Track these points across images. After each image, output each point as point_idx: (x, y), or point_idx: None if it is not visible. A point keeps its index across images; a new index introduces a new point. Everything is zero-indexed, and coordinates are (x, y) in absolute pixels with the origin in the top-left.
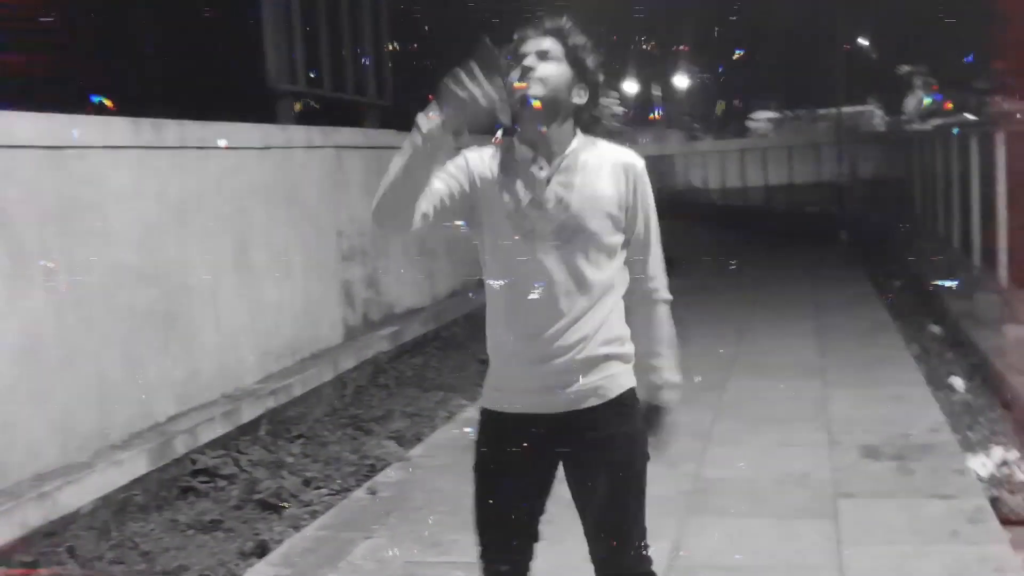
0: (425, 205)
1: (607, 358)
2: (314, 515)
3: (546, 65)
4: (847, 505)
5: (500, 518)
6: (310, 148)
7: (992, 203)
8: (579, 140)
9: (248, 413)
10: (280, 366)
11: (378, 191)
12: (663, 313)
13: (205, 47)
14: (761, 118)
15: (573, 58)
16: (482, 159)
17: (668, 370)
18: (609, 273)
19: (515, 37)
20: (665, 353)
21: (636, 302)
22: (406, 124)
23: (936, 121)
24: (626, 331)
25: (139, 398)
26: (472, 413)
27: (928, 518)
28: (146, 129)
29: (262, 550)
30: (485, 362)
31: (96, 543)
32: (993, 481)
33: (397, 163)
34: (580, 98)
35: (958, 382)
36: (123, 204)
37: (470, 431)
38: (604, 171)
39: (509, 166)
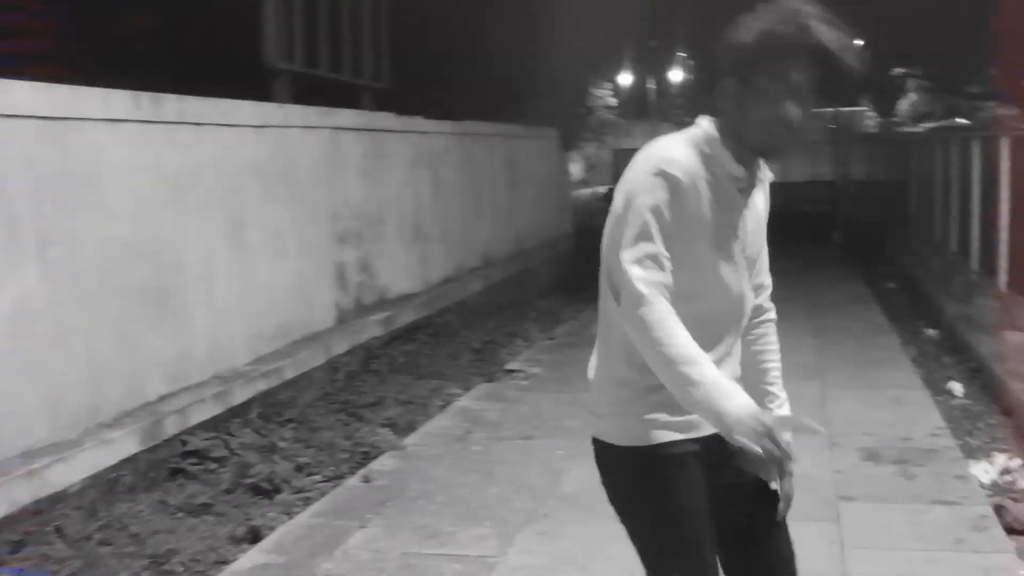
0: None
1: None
2: (307, 502)
3: (807, 108)
4: (849, 509)
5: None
6: (307, 128)
7: (993, 209)
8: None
9: (239, 395)
10: (271, 348)
11: (652, 347)
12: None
13: (202, 22)
14: None
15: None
16: (692, 178)
17: (787, 401)
18: None
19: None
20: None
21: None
22: (402, 107)
23: (928, 124)
24: None
25: (130, 376)
26: (467, 403)
27: (931, 524)
28: (145, 103)
29: (254, 536)
30: (479, 351)
31: (84, 523)
32: (995, 488)
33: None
34: None
35: (956, 387)
36: (119, 178)
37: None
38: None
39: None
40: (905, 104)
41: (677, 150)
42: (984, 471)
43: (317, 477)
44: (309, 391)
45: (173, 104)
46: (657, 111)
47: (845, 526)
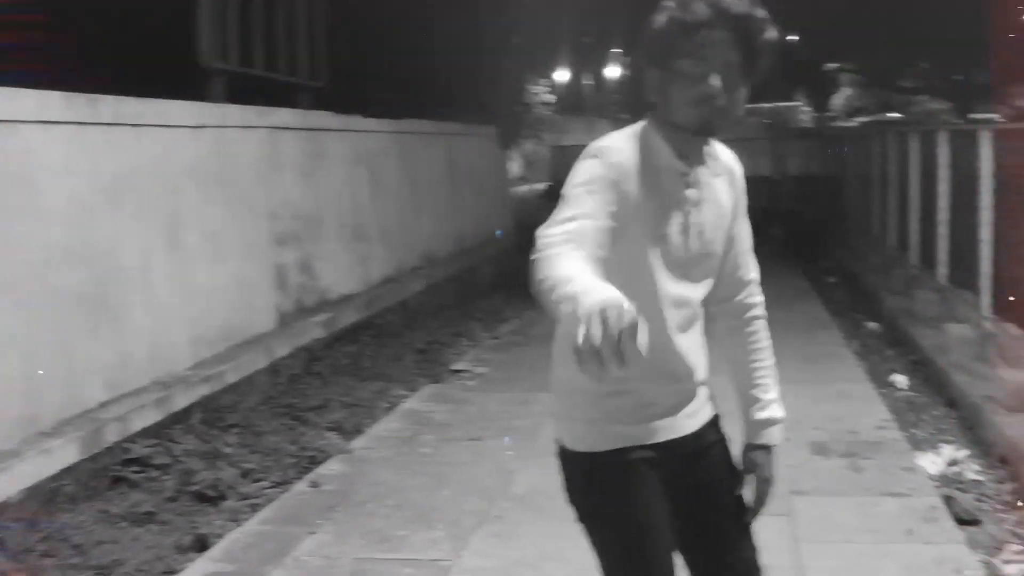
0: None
1: (707, 375)
2: (254, 508)
3: (735, 82)
4: (801, 503)
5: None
6: (245, 128)
7: (932, 202)
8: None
9: (181, 400)
10: (212, 352)
11: (540, 287)
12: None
13: (136, 21)
14: None
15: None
16: (629, 165)
17: (778, 402)
18: None
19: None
20: (774, 381)
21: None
22: (339, 106)
23: (862, 118)
24: None
25: (69, 383)
26: (413, 404)
27: (882, 516)
28: (80, 104)
29: (201, 544)
30: (423, 351)
31: (25, 535)
32: (943, 480)
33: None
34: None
35: (900, 379)
36: (55, 180)
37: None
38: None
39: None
40: (839, 99)
41: (617, 141)
42: (931, 462)
43: (264, 483)
44: (252, 395)
45: (109, 105)
46: (594, 107)
47: (798, 520)
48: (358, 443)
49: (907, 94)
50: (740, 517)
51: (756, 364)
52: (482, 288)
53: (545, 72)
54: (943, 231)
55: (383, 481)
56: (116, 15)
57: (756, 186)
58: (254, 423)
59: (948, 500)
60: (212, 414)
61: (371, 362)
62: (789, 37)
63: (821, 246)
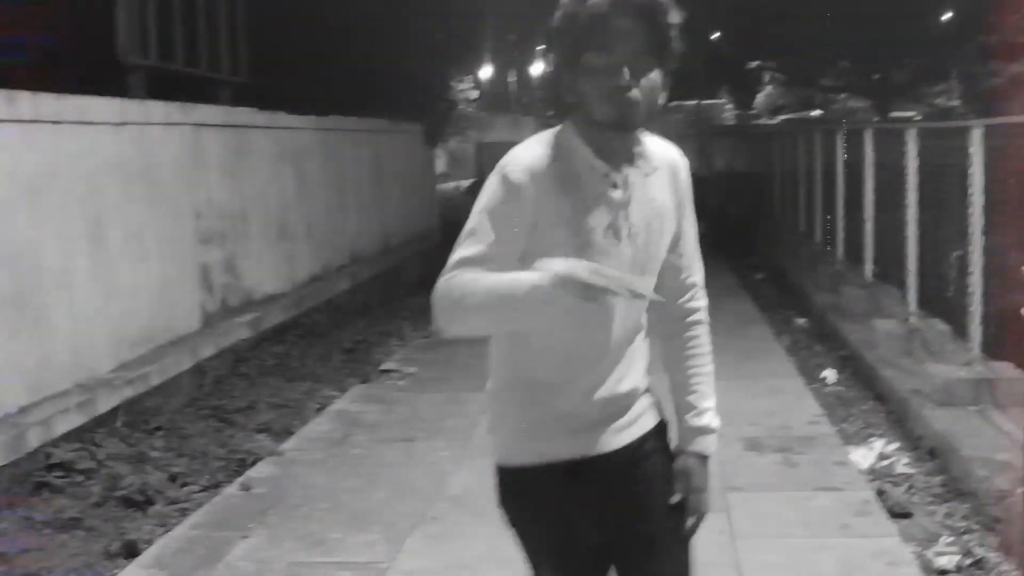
0: None
1: (646, 384)
2: (184, 513)
3: (645, 70)
4: (737, 499)
5: None
6: (168, 125)
7: (859, 199)
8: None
9: (104, 403)
10: (135, 354)
11: (460, 307)
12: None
13: (52, 16)
14: None
15: (664, 47)
16: (539, 177)
17: (713, 411)
18: None
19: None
20: (711, 389)
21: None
22: (262, 102)
23: (784, 116)
24: None
25: None
26: (343, 405)
27: (817, 511)
28: None
29: (129, 551)
30: (351, 351)
31: None
32: (875, 474)
33: (503, 302)
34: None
35: (830, 374)
36: None
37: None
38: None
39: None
40: (762, 97)
41: (526, 151)
42: (863, 456)
43: (193, 487)
44: (177, 397)
45: (27, 102)
46: (519, 104)
47: (734, 516)
48: (288, 445)
49: (828, 92)
50: (676, 528)
51: (694, 370)
52: (410, 286)
53: (470, 69)
54: (869, 228)
55: (315, 483)
56: (30, 8)
57: None
58: (180, 426)
59: (881, 494)
60: (137, 417)
61: (299, 362)
62: (713, 36)
63: (748, 243)
